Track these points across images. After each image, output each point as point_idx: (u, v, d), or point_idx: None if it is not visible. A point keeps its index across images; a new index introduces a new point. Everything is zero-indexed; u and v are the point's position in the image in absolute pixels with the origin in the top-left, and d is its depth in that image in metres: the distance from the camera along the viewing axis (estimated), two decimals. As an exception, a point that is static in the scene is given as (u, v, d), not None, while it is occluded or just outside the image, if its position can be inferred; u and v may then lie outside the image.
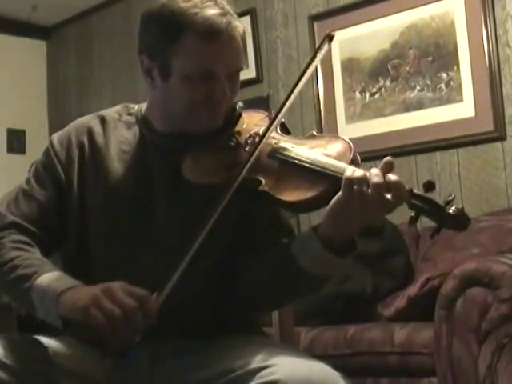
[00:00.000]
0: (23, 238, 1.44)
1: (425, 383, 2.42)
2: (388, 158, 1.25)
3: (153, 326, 1.26)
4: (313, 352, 2.53)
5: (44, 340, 1.39)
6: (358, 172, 1.24)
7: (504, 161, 3.26)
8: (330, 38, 1.45)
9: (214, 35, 1.38)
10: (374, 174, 1.23)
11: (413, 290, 2.69)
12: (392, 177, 1.22)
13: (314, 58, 1.45)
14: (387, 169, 1.24)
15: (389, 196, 1.22)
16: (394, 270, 3.05)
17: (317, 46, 1.45)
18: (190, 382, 1.35)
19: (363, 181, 1.22)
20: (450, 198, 1.24)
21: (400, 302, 2.73)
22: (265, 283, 1.42)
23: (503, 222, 2.91)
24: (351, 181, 1.23)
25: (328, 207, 1.27)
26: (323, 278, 1.37)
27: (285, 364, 1.25)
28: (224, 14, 1.40)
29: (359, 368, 2.54)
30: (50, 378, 1.31)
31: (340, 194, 1.24)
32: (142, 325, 1.24)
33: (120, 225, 1.47)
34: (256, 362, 1.27)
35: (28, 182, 1.51)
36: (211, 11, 1.39)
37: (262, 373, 1.24)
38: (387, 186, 1.22)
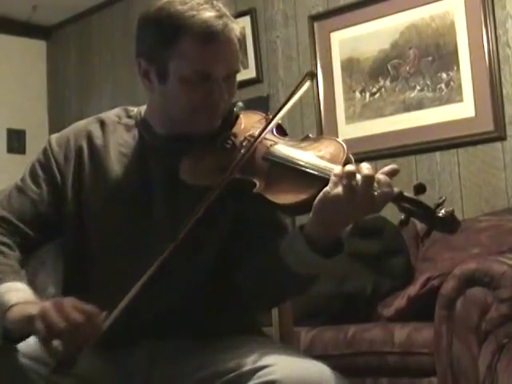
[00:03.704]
0: (6, 239, 1.44)
1: (425, 383, 2.42)
2: (395, 166, 1.25)
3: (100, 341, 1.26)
4: (313, 352, 2.53)
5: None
6: (348, 167, 1.23)
7: (504, 161, 3.26)
8: (312, 75, 1.48)
9: (211, 37, 1.39)
10: (365, 167, 1.23)
11: (413, 289, 2.69)
12: (380, 175, 1.22)
13: (293, 93, 1.46)
14: (390, 174, 1.24)
15: (375, 193, 1.21)
16: (393, 270, 3.04)
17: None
18: (189, 382, 1.35)
19: (352, 174, 1.22)
20: (441, 200, 1.23)
21: (400, 301, 2.73)
22: (260, 282, 1.43)
23: (503, 222, 2.91)
24: (339, 175, 1.23)
25: (314, 202, 1.26)
26: (310, 277, 1.37)
27: (283, 364, 1.25)
28: (220, 16, 1.41)
29: (359, 368, 2.54)
30: (50, 377, 1.31)
31: (327, 188, 1.24)
32: (85, 340, 1.24)
33: (119, 226, 1.47)
34: (254, 362, 1.28)
35: (23, 179, 1.52)
36: (208, 14, 1.40)
37: (260, 373, 1.24)
38: (374, 181, 1.21)
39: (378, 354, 2.52)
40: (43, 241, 1.51)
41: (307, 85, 1.48)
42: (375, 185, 1.21)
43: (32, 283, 1.41)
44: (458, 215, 1.24)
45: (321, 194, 1.25)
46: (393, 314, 2.74)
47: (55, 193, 1.49)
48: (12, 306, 1.31)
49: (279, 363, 1.25)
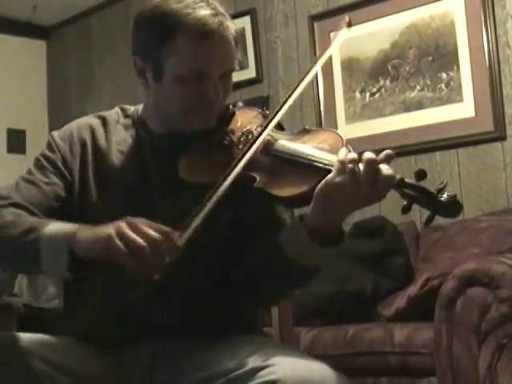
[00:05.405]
0: (24, 212, 1.42)
1: (425, 383, 2.42)
2: (389, 151, 1.25)
3: (175, 263, 1.24)
4: (313, 352, 2.53)
5: (44, 339, 1.39)
6: (351, 154, 1.24)
7: (504, 161, 3.26)
8: (349, 24, 1.45)
9: (206, 36, 1.39)
10: (368, 155, 1.23)
11: (413, 289, 2.69)
12: (381, 163, 1.23)
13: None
14: (385, 160, 1.24)
15: (379, 179, 1.22)
16: (393, 270, 3.05)
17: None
18: (190, 382, 1.35)
19: (355, 161, 1.23)
20: (442, 185, 1.24)
21: (400, 301, 2.73)
22: (260, 277, 1.42)
23: (503, 222, 2.91)
24: (344, 162, 1.23)
25: (316, 190, 1.26)
26: (310, 269, 1.36)
27: (284, 364, 1.25)
28: (216, 14, 1.41)
29: (359, 368, 2.54)
30: (50, 376, 1.31)
31: (330, 175, 1.24)
32: (165, 258, 1.23)
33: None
34: (256, 361, 1.27)
35: (29, 171, 1.52)
36: (203, 12, 1.40)
37: (261, 372, 1.24)
38: (378, 167, 1.22)
39: (378, 354, 2.52)
40: None
41: (344, 33, 1.46)
42: (378, 171, 1.22)
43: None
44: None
45: (323, 181, 1.25)
46: (393, 314, 2.74)
47: (62, 185, 1.49)
48: (77, 230, 1.30)
49: (281, 363, 1.25)
